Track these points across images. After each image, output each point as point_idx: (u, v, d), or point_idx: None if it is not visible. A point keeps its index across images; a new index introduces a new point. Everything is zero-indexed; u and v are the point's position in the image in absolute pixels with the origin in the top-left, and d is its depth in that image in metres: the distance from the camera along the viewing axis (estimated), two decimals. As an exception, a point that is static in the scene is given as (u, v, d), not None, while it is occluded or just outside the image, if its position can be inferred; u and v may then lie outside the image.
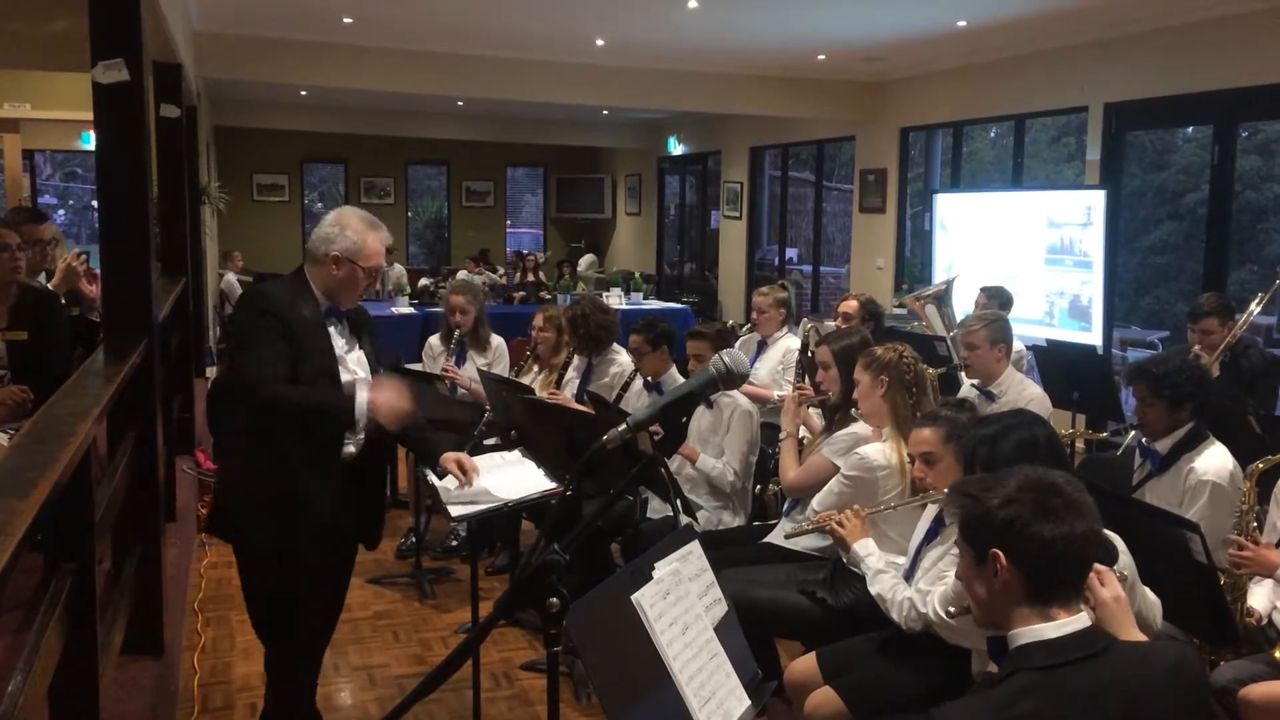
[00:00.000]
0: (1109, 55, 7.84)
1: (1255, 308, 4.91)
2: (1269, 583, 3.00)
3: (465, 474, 2.98)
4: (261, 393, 2.81)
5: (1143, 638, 2.01)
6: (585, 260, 15.93)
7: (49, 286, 4.28)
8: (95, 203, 5.42)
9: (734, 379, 1.93)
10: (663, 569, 1.88)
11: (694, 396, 1.93)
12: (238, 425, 3.01)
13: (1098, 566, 1.94)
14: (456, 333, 5.49)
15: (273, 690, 3.18)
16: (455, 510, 3.06)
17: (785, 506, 3.85)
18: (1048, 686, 1.68)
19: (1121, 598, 2.01)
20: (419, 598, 4.78)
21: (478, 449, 4.60)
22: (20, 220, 4.36)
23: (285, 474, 2.89)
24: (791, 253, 13.81)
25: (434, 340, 5.78)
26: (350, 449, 3.00)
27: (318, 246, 2.97)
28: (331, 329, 2.99)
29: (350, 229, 2.97)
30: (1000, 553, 1.76)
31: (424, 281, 12.23)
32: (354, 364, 3.04)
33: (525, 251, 14.98)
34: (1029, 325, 7.43)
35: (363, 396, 2.88)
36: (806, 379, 4.77)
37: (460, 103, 12.75)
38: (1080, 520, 1.75)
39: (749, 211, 13.56)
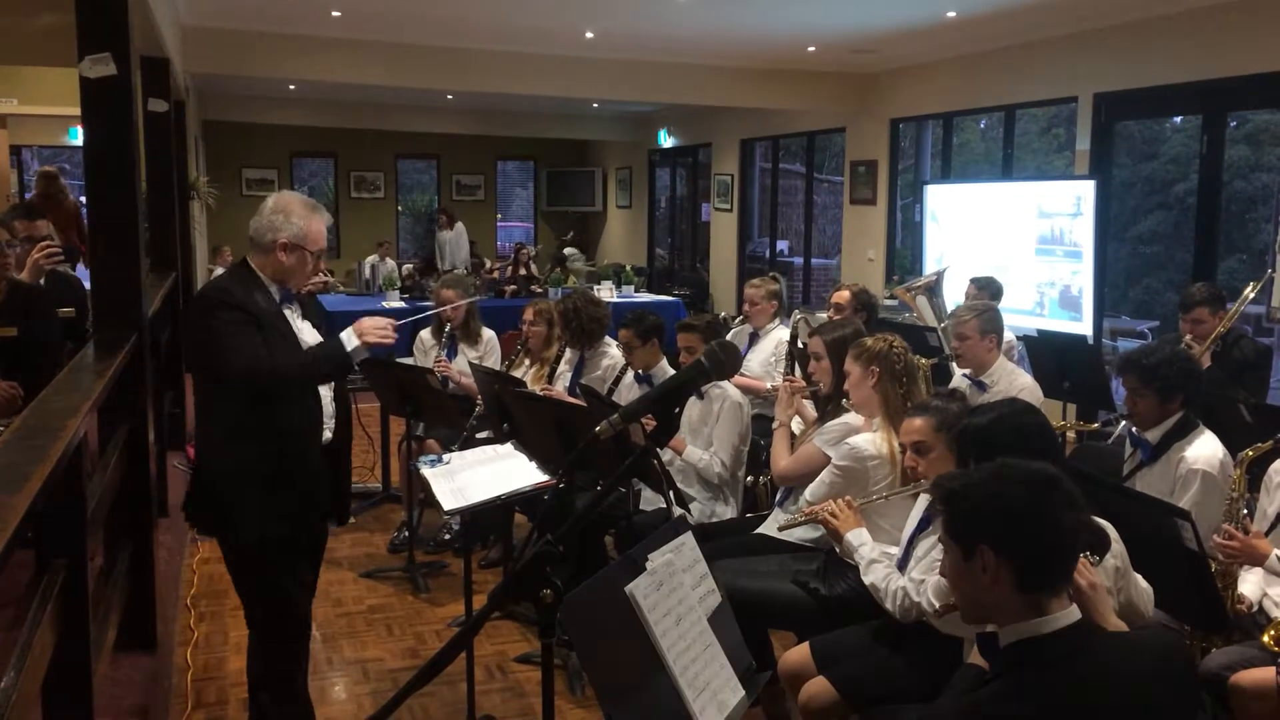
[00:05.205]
0: (1098, 46, 7.85)
1: (1249, 294, 4.92)
2: (1259, 570, 3.02)
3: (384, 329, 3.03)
4: (259, 379, 2.83)
5: (1120, 623, 2.02)
6: (567, 252, 15.88)
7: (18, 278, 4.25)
8: (84, 198, 5.39)
9: (726, 369, 1.94)
10: (656, 560, 1.88)
11: (686, 387, 1.93)
12: (223, 422, 2.98)
13: None
14: (448, 326, 5.48)
15: (266, 687, 3.17)
16: (448, 504, 3.06)
17: (778, 497, 3.85)
18: (1043, 684, 1.66)
19: (1099, 584, 2.01)
20: (412, 592, 4.77)
21: (470, 442, 4.61)
22: (15, 216, 4.33)
23: (275, 464, 2.91)
24: (782, 245, 13.81)
25: (425, 334, 5.77)
26: (328, 434, 3.10)
27: (263, 235, 2.97)
28: (287, 311, 3.03)
29: (295, 215, 2.98)
30: (988, 548, 1.72)
31: (408, 267, 12.26)
32: (309, 336, 3.09)
33: (521, 244, 14.96)
34: (1019, 315, 7.43)
35: (348, 335, 2.97)
36: (796, 369, 4.78)
37: (450, 96, 12.71)
38: (1068, 511, 1.72)
39: (740, 204, 13.55)
